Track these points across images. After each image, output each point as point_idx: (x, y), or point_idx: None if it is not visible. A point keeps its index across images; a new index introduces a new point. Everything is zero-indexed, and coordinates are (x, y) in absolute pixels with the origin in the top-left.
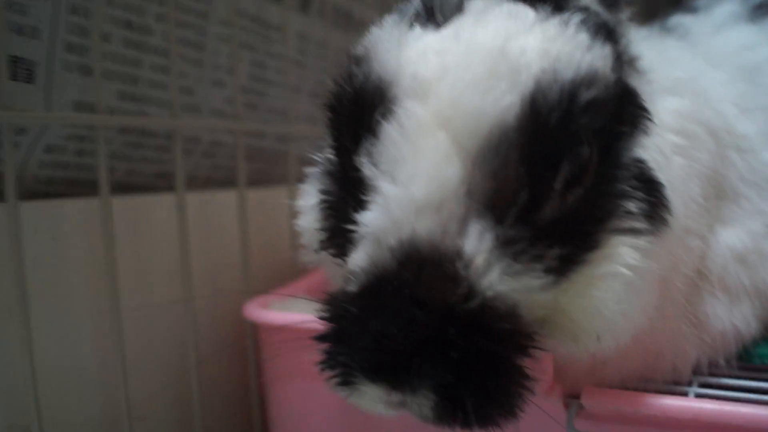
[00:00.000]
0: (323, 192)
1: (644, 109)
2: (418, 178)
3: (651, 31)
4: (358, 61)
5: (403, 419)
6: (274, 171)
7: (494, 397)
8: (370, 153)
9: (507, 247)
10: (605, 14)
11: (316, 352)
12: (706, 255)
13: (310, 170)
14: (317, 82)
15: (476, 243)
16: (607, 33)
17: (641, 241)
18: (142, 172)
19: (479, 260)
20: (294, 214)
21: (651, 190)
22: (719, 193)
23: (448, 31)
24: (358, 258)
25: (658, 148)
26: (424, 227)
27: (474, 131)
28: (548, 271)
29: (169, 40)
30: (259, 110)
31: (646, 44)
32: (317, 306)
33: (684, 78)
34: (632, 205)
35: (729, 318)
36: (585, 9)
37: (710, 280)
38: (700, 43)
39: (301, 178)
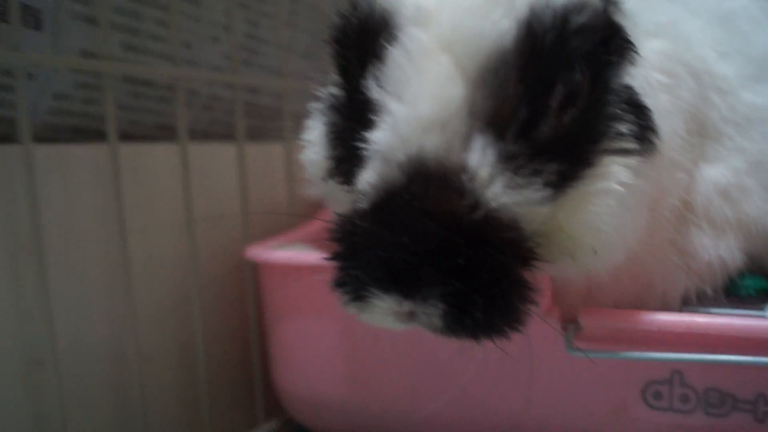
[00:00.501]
0: (329, 124)
1: (630, 42)
2: (424, 97)
3: None
4: None
5: (404, 351)
6: (269, 127)
7: (500, 304)
8: (377, 77)
9: (508, 161)
10: None
11: (315, 288)
12: (692, 188)
13: (314, 106)
14: (308, 43)
15: (480, 158)
16: None
17: (632, 161)
18: (144, 123)
19: (483, 173)
20: (290, 168)
21: (639, 113)
22: (702, 132)
23: None
24: (368, 176)
25: (645, 79)
26: (431, 143)
27: (474, 54)
28: (547, 185)
29: None
30: (254, 67)
31: None
32: (313, 250)
33: (666, 22)
34: (623, 127)
35: (715, 249)
36: None
37: (696, 212)
38: None
39: (295, 134)
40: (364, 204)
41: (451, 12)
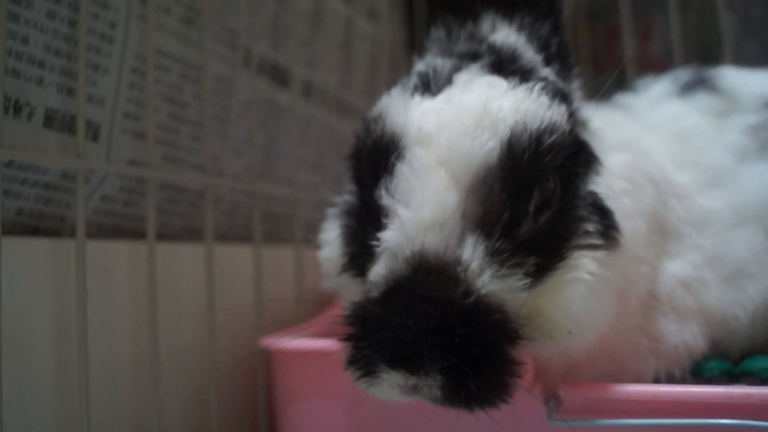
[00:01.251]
0: (343, 226)
1: (595, 156)
2: (426, 203)
3: (599, 105)
4: (375, 120)
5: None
6: (281, 232)
7: (491, 376)
8: (387, 187)
9: (495, 256)
10: (561, 84)
11: (323, 373)
12: (656, 281)
13: (330, 211)
14: (317, 157)
15: (471, 253)
16: (562, 97)
17: (598, 254)
18: (174, 225)
19: (474, 266)
20: (299, 269)
21: (603, 214)
22: (663, 231)
23: (441, 98)
24: (379, 269)
25: (609, 186)
26: (431, 241)
27: (466, 168)
28: (527, 275)
29: (203, 115)
30: (270, 178)
31: (595, 113)
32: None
33: (627, 138)
34: (590, 226)
35: (680, 334)
36: (545, 79)
37: (661, 302)
38: (639, 114)
39: (305, 238)
40: (374, 292)
41: (447, 135)
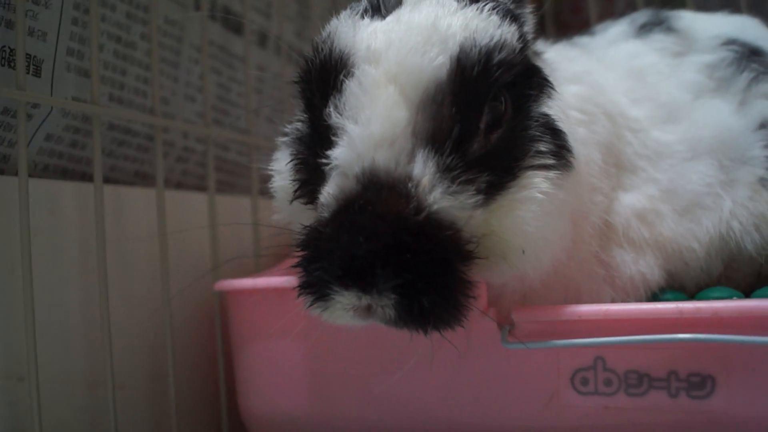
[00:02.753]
0: (294, 153)
1: (547, 80)
2: (375, 119)
3: (555, 42)
4: (323, 42)
5: (360, 362)
6: (236, 182)
7: (445, 296)
8: (336, 106)
9: (446, 172)
10: (512, 5)
11: (277, 311)
12: (612, 211)
13: (281, 139)
14: (273, 110)
15: (422, 169)
16: (512, 18)
17: (550, 174)
18: (123, 169)
19: (425, 181)
20: (255, 220)
21: (556, 136)
22: (618, 164)
23: (391, 18)
24: (329, 189)
25: (563, 113)
26: (382, 158)
27: (416, 84)
28: (478, 192)
29: (151, 56)
30: (224, 126)
31: (552, 48)
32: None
33: (582, 71)
34: (542, 146)
35: (635, 265)
36: (495, 0)
37: (617, 232)
38: (596, 53)
39: (261, 190)
40: (325, 213)
41: (396, 51)
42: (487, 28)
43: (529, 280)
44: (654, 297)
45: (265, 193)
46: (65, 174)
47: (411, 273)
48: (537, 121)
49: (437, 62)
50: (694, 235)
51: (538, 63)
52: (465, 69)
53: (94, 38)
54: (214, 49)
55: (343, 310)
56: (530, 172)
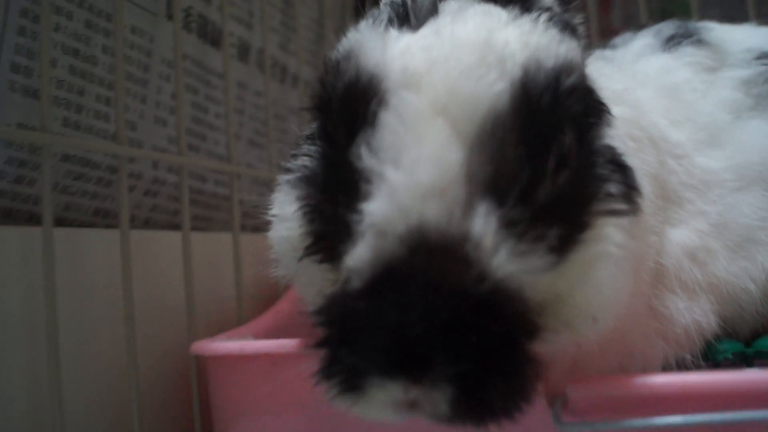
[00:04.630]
0: (303, 197)
1: (604, 104)
2: (423, 163)
3: None
4: (345, 59)
5: None
6: (214, 217)
7: (512, 384)
8: (369, 144)
9: (511, 227)
10: (564, 14)
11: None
12: (662, 252)
13: (283, 178)
14: (255, 132)
15: (482, 225)
16: (570, 29)
17: (623, 221)
18: (81, 207)
19: (487, 241)
20: (237, 260)
21: (623, 173)
22: (665, 196)
23: (426, 31)
24: (362, 252)
25: (621, 140)
26: (432, 212)
27: (471, 117)
28: (550, 250)
29: (116, 72)
30: (201, 153)
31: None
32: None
33: (622, 90)
34: (612, 187)
35: (690, 314)
36: (549, 9)
37: (668, 276)
38: (624, 67)
39: (244, 226)
40: (356, 282)
41: (443, 75)
42: (550, 45)
43: (586, 345)
44: (708, 347)
45: (248, 228)
46: (8, 216)
47: (473, 359)
48: (602, 156)
49: (496, 89)
50: (749, 274)
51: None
52: (531, 97)
53: (44, 51)
54: (188, 63)
55: (382, 405)
56: (601, 221)
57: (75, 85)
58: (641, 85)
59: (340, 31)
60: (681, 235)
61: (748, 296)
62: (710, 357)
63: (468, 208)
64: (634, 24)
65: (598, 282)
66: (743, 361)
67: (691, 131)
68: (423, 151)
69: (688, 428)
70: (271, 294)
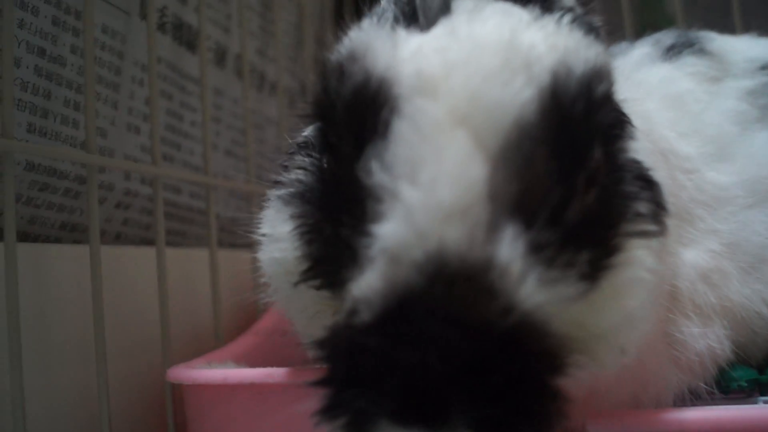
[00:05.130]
0: (299, 216)
1: (625, 113)
2: (442, 180)
3: None
4: (350, 60)
5: None
6: (189, 231)
7: (539, 426)
8: (380, 157)
9: (539, 252)
10: (586, 15)
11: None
12: (677, 274)
13: (275, 193)
14: (232, 141)
15: (509, 250)
16: (594, 32)
17: (653, 243)
18: (47, 221)
19: (514, 269)
20: (215, 277)
21: (652, 190)
22: (676, 214)
23: (440, 30)
24: (372, 280)
25: (645, 154)
26: (452, 237)
27: (495, 127)
28: (582, 277)
29: (85, 74)
30: (175, 163)
31: None
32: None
33: (629, 100)
34: (641, 206)
35: (704, 339)
36: (571, 9)
37: (682, 299)
38: (625, 77)
39: (220, 241)
40: (365, 315)
41: (463, 80)
42: (578, 48)
43: (605, 375)
44: (722, 375)
45: (227, 242)
46: None
47: (497, 403)
48: (630, 171)
49: (524, 96)
50: (763, 297)
51: None
52: (562, 106)
53: (7, 50)
54: (162, 67)
55: None
56: (632, 243)
57: (41, 87)
58: (647, 95)
59: (320, 37)
60: (694, 256)
61: (761, 321)
62: (723, 384)
63: (492, 231)
64: (618, 36)
65: (629, 311)
66: (757, 388)
67: (699, 144)
68: (442, 166)
69: None
70: (249, 312)
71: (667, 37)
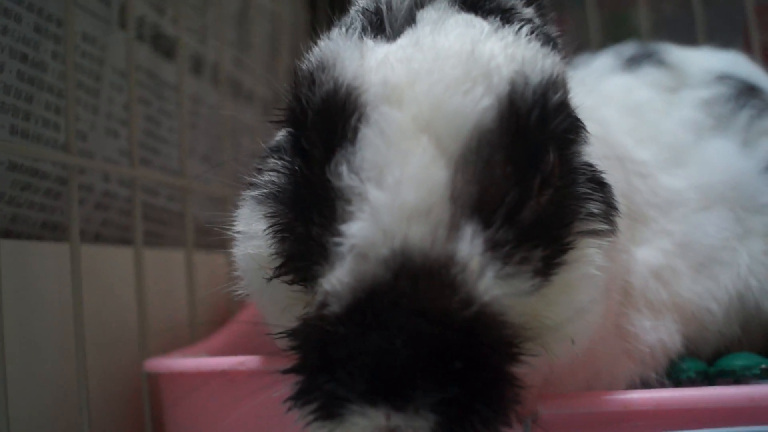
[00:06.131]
0: (273, 215)
1: (581, 121)
2: (407, 183)
3: None
4: (320, 70)
5: None
6: (166, 233)
7: (495, 410)
8: (349, 161)
9: (496, 250)
10: (544, 26)
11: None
12: (630, 270)
13: (249, 193)
14: (209, 147)
15: (468, 247)
16: (552, 43)
17: (604, 242)
18: (28, 219)
19: (473, 264)
20: (191, 277)
21: (603, 191)
22: (630, 215)
23: (405, 41)
24: (342, 275)
25: (597, 158)
26: (416, 235)
27: (456, 134)
28: (536, 273)
29: (66, 79)
30: (153, 167)
31: None
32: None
33: (588, 107)
34: (592, 207)
35: (656, 333)
36: (530, 21)
37: (634, 295)
38: (586, 86)
39: (196, 243)
40: (335, 307)
41: (426, 89)
42: (535, 58)
43: (558, 365)
44: (671, 366)
45: (203, 244)
46: None
47: (458, 386)
48: (583, 174)
49: (483, 104)
50: (712, 294)
51: None
52: (519, 114)
53: None
54: (141, 74)
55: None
56: (583, 241)
57: (23, 91)
58: (606, 103)
59: (295, 49)
60: (646, 254)
61: (711, 317)
62: (673, 375)
63: (453, 229)
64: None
65: (579, 305)
66: (705, 379)
67: (655, 150)
68: (407, 170)
69: None
70: (224, 314)
71: (627, 48)
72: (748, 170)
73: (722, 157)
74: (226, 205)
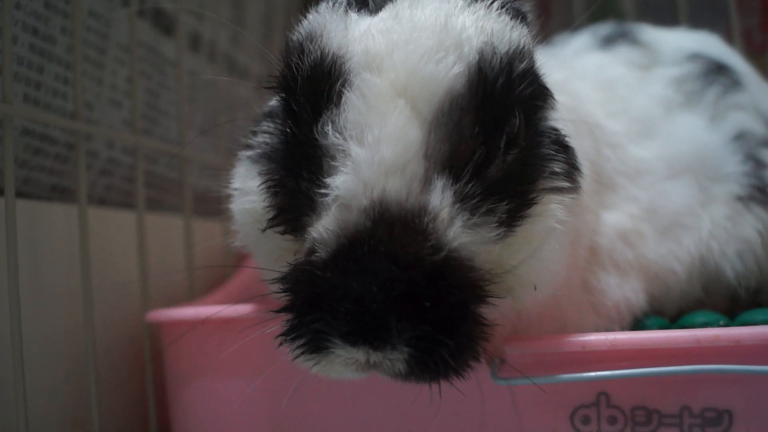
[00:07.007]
0: (266, 172)
1: (549, 89)
2: (385, 141)
3: None
4: (309, 40)
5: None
6: (165, 199)
7: (464, 345)
8: (334, 122)
9: (465, 202)
10: (516, 2)
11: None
12: (597, 231)
13: (244, 153)
14: (206, 120)
15: (439, 199)
16: (521, 17)
17: (565, 199)
18: (38, 182)
19: (443, 214)
20: (188, 240)
21: (567, 153)
22: (599, 181)
23: (385, 14)
24: (327, 223)
25: (563, 124)
26: (393, 187)
27: (429, 98)
28: (500, 224)
29: (74, 52)
30: (154, 137)
31: None
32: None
33: (561, 80)
34: (555, 167)
35: (621, 290)
36: None
37: (601, 254)
38: (563, 62)
39: (194, 209)
40: (322, 252)
41: (403, 57)
42: (504, 31)
43: (525, 313)
44: (636, 322)
45: (199, 212)
46: None
47: (428, 323)
48: (548, 137)
49: (454, 71)
50: (676, 256)
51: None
52: (486, 80)
53: (7, 27)
54: (142, 50)
55: (344, 365)
56: (546, 197)
57: (35, 62)
58: (579, 77)
59: (288, 28)
60: (614, 218)
61: (674, 277)
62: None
63: (426, 183)
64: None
65: (541, 255)
66: None
67: (625, 123)
68: (385, 129)
69: (610, 383)
70: (218, 275)
71: (603, 28)
72: (714, 143)
73: (690, 130)
74: (222, 174)
